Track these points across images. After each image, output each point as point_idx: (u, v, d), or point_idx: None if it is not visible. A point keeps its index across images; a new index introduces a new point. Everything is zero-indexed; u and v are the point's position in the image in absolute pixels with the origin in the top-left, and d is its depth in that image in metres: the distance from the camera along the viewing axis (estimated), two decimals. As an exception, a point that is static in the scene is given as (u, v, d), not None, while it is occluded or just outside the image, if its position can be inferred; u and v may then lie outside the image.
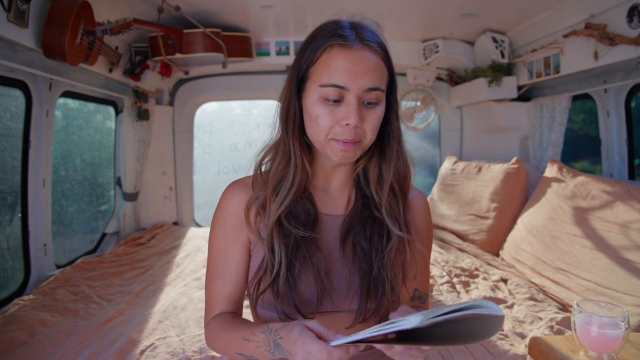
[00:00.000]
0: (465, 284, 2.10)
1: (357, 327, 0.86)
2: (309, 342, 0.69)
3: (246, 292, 0.93)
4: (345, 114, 0.80)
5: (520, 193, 2.62)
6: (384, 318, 0.86)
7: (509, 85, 2.89)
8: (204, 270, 2.21)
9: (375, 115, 0.83)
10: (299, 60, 0.85)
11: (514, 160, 2.69)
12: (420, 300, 0.98)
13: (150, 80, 2.95)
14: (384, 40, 0.85)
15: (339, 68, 0.79)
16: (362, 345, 0.73)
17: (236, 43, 2.81)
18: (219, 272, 0.91)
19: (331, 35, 0.81)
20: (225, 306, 0.91)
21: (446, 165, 3.30)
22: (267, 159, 0.92)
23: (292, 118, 0.86)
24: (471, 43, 3.10)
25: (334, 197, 0.94)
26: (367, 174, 0.92)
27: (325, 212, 0.92)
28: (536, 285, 2.02)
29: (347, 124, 0.80)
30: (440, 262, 2.38)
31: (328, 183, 0.94)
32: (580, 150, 2.86)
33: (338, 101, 0.80)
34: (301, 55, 0.85)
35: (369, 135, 0.83)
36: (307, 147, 0.89)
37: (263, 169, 0.92)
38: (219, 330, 0.88)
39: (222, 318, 0.89)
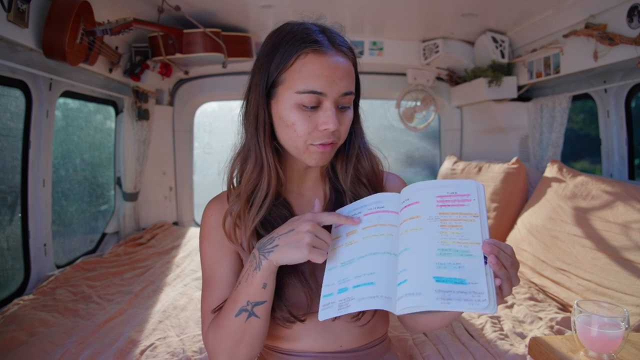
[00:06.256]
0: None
1: (341, 316, 0.86)
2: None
3: None
4: (324, 119, 0.80)
5: (520, 193, 2.62)
6: None
7: (509, 85, 2.89)
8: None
9: (348, 118, 0.85)
10: (267, 65, 0.83)
11: (514, 160, 2.68)
12: None
13: (150, 80, 2.95)
14: (350, 43, 0.87)
15: (315, 74, 0.79)
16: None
17: (236, 43, 2.81)
18: (214, 283, 0.88)
19: (304, 40, 0.80)
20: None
21: (446, 165, 3.30)
22: (236, 171, 0.90)
23: (263, 124, 0.85)
24: (471, 43, 3.10)
25: (309, 198, 0.95)
26: (335, 169, 0.95)
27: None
28: (536, 285, 2.02)
29: (326, 129, 0.81)
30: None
31: (302, 184, 0.95)
32: (580, 150, 2.85)
33: (315, 107, 0.81)
34: (269, 60, 0.83)
35: (343, 136, 0.86)
36: (277, 152, 0.88)
37: (235, 182, 0.91)
38: (216, 317, 0.83)
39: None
